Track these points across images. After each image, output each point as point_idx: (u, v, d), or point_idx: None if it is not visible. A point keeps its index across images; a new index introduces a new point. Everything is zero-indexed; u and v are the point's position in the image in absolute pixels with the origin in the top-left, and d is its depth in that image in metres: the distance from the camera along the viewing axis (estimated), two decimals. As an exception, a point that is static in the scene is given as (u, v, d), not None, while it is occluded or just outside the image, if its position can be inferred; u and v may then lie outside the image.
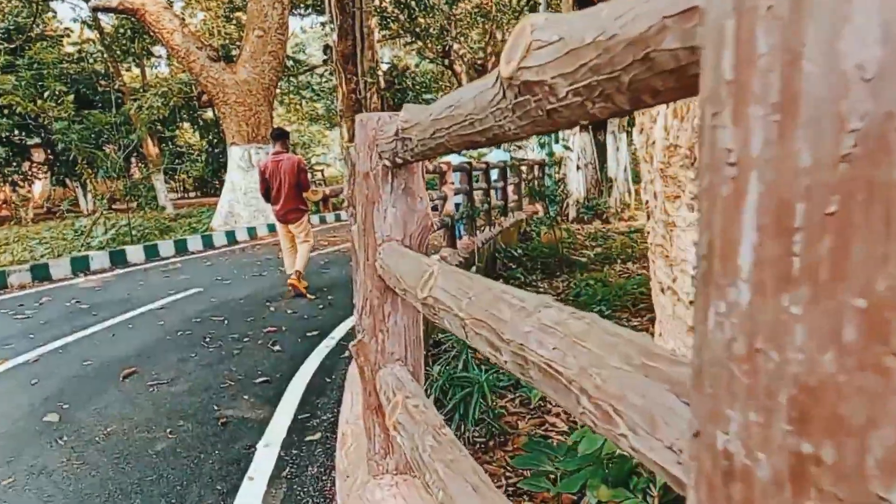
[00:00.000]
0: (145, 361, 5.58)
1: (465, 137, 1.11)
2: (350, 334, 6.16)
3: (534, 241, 10.85)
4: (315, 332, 6.26)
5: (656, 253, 2.18)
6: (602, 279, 8.16)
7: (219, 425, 4.17)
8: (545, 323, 0.89)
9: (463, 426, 3.50)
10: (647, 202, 2.24)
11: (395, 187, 1.91)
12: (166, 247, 12.73)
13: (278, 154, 7.87)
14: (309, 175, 8.39)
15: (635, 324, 6.29)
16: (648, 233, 2.39)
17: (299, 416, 4.28)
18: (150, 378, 5.14)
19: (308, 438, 3.94)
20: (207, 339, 6.19)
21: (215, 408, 4.46)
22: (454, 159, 9.18)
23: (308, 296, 7.89)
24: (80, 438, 4.05)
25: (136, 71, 29.94)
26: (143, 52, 26.59)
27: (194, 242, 13.47)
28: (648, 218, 2.28)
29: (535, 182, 12.06)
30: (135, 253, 11.98)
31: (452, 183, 8.19)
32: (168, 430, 4.11)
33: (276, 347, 5.82)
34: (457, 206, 8.31)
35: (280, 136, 8.08)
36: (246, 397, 4.65)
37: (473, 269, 8.00)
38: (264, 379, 5.00)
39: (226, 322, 6.83)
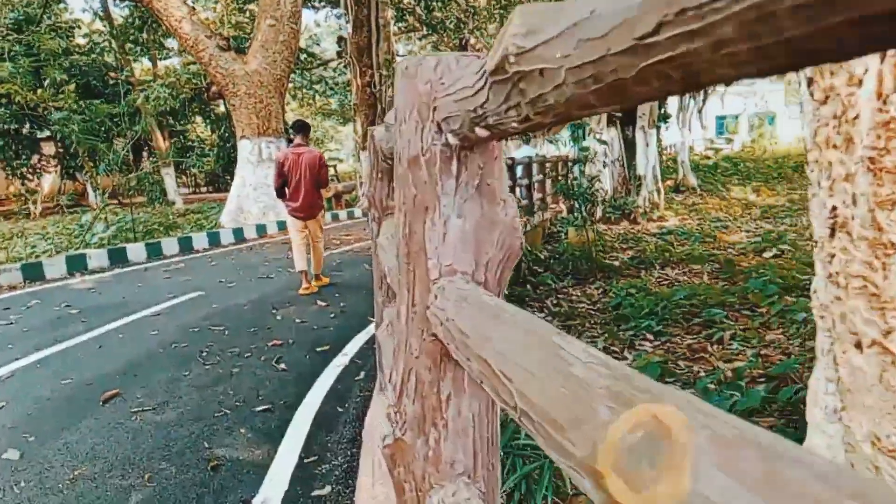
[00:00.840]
0: (131, 381, 4.87)
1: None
2: (366, 351, 5.43)
3: (562, 244, 10.08)
4: (325, 347, 5.53)
5: (849, 287, 1.45)
6: (642, 287, 7.39)
7: (208, 469, 3.44)
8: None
9: None
10: (832, 209, 1.50)
11: (466, 182, 1.12)
12: (170, 244, 12.05)
13: (299, 147, 7.61)
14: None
15: (690, 342, 5.52)
16: (828, 252, 1.63)
17: (305, 460, 3.55)
18: (134, 403, 4.43)
19: (315, 493, 3.20)
20: (204, 354, 5.47)
21: (206, 445, 3.74)
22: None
23: (318, 302, 7.18)
24: (40, 484, 3.34)
25: (148, 64, 29.38)
26: (154, 43, 26.00)
27: (200, 240, 12.79)
28: (833, 234, 1.52)
29: (566, 179, 11.30)
30: (136, 251, 11.31)
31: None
32: (147, 476, 3.39)
33: (282, 366, 5.09)
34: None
35: (302, 128, 7.84)
36: (243, 431, 3.93)
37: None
38: (266, 407, 4.27)
39: (226, 332, 6.12)
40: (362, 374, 4.84)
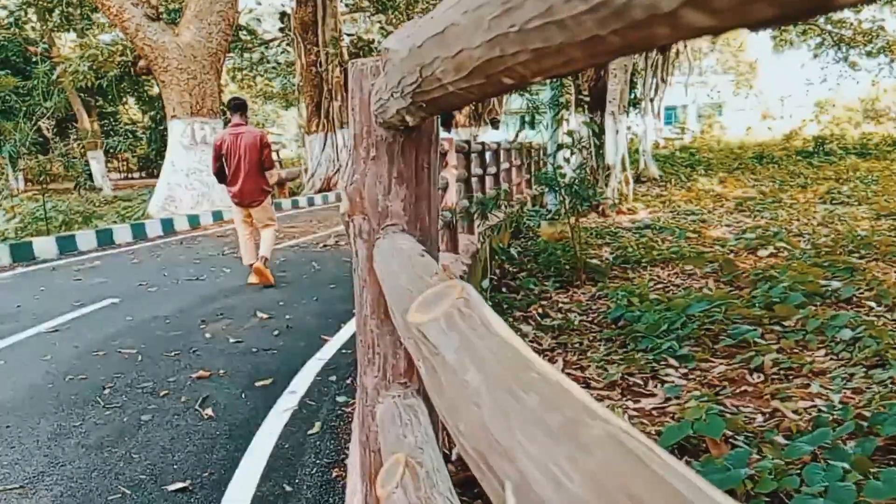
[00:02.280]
0: (-3, 437, 3.56)
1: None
2: (321, 386, 4.21)
3: (538, 241, 8.99)
4: (267, 382, 4.29)
5: None
6: (639, 293, 6.35)
7: None
8: None
9: None
10: None
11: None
12: (86, 238, 10.50)
13: (237, 127, 6.99)
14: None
15: (723, 369, 4.48)
16: None
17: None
18: (-8, 477, 3.14)
19: None
20: (107, 392, 4.18)
21: (85, 560, 2.50)
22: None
23: (258, 313, 5.91)
24: None
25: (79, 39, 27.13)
26: (81, 16, 23.88)
27: (122, 233, 11.25)
28: None
29: (539, 167, 10.24)
30: (45, 246, 9.75)
31: (455, 166, 6.27)
32: None
33: (208, 411, 3.83)
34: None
35: (239, 107, 7.20)
36: (145, 529, 2.69)
37: (486, 283, 6.10)
38: (182, 484, 3.03)
39: (139, 358, 4.81)
40: (317, 425, 3.63)
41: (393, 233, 1.30)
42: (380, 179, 1.31)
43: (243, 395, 4.06)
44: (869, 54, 23.23)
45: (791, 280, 6.30)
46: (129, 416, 3.80)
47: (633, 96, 15.46)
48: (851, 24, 22.98)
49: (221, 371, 4.47)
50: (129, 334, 5.42)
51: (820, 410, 3.63)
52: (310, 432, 3.53)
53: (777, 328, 5.24)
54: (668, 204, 14.52)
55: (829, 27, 23.55)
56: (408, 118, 0.99)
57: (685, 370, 4.50)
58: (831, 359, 4.60)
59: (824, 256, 7.74)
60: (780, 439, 3.26)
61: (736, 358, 4.58)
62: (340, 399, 3.95)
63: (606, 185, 13.20)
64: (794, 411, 3.66)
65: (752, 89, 46.05)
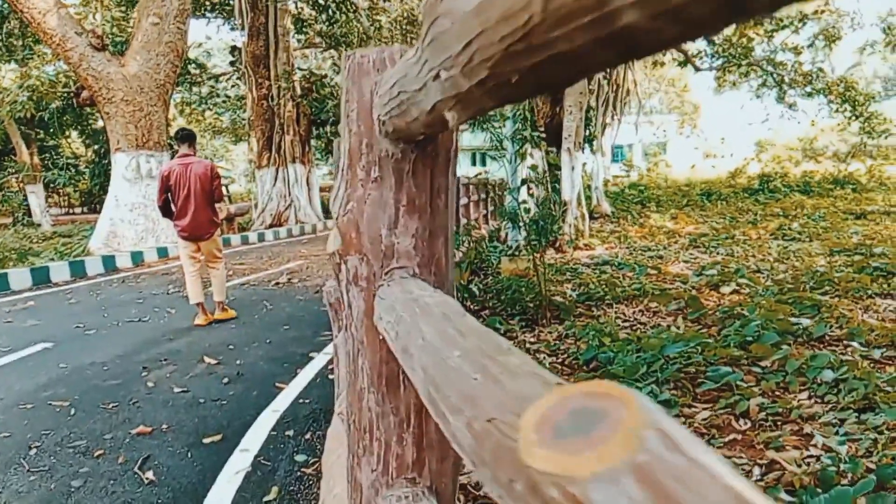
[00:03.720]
0: None
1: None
2: (277, 442, 3.81)
3: (499, 278, 8.73)
4: (216, 438, 3.87)
5: None
6: (608, 332, 6.12)
7: None
8: None
9: None
10: None
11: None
12: (20, 277, 9.83)
13: (186, 157, 6.71)
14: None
15: (707, 414, 4.24)
16: None
17: None
18: None
19: None
20: (33, 452, 3.70)
21: None
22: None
23: (206, 358, 5.47)
24: None
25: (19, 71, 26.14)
26: (22, 47, 23.04)
27: (60, 270, 10.59)
28: None
29: (499, 203, 10.03)
30: (-27, 285, 9.09)
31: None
32: None
33: (149, 474, 3.40)
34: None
35: (187, 137, 6.91)
36: None
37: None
38: (117, 567, 2.61)
39: (73, 412, 4.33)
40: (273, 490, 3.23)
41: (401, 278, 0.99)
42: (384, 208, 1.00)
43: (189, 455, 3.63)
44: (809, 95, 23.95)
45: (761, 318, 6.15)
46: (57, 481, 3.34)
47: (587, 133, 15.49)
48: (793, 66, 23.72)
49: (165, 426, 4.04)
50: (62, 383, 4.93)
51: (818, 460, 3.40)
52: (266, 499, 3.13)
53: (755, 369, 5.05)
54: (624, 240, 14.47)
55: (770, 68, 24.26)
56: (449, 116, 0.69)
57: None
58: (816, 402, 4.40)
59: (788, 293, 7.66)
60: (785, 496, 3.00)
61: (720, 402, 4.35)
62: (299, 458, 3.55)
63: (563, 220, 13.08)
64: (795, 462, 3.42)
65: (696, 129, 47.26)
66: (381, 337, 1.02)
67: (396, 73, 0.87)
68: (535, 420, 0.47)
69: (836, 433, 3.74)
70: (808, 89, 24.07)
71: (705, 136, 48.20)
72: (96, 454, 3.65)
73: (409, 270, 1.01)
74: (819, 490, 3.02)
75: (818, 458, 3.49)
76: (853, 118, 23.40)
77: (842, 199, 20.39)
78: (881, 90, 47.60)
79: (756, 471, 3.40)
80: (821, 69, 23.60)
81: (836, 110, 23.69)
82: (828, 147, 39.49)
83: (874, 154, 31.82)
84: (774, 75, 24.52)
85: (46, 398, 4.60)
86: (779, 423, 4.09)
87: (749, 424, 4.08)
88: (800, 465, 3.42)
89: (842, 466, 3.17)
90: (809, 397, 4.53)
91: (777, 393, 4.62)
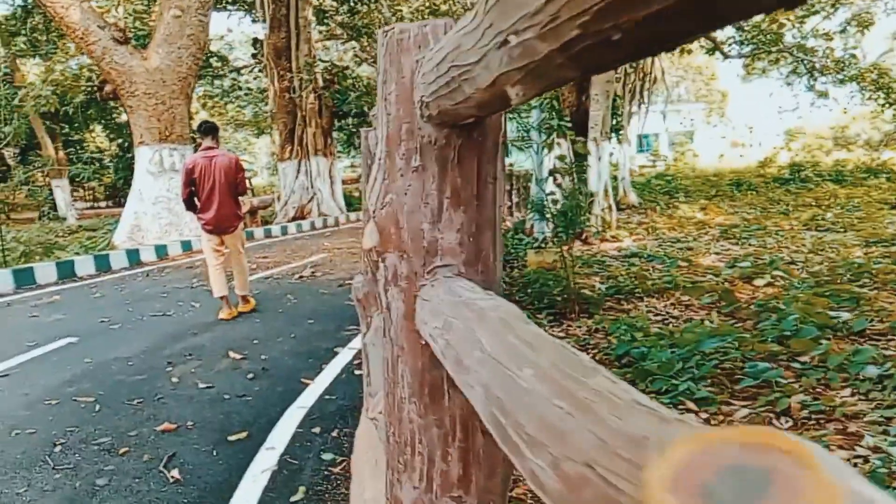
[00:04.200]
0: (-79, 512, 3.03)
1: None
2: (303, 439, 3.72)
3: (527, 271, 8.58)
4: (242, 435, 3.78)
5: None
6: (640, 326, 5.96)
7: None
8: None
9: None
10: None
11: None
12: (46, 271, 9.87)
13: (209, 150, 6.63)
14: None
15: (746, 412, 4.07)
16: None
17: None
18: None
19: None
20: (58, 449, 3.65)
21: None
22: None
23: (231, 353, 5.41)
24: None
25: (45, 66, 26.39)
26: (47, 42, 23.23)
27: (85, 264, 10.63)
28: None
29: (527, 193, 9.88)
30: (0, 279, 9.13)
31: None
32: None
33: (174, 473, 3.32)
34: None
35: (210, 130, 6.83)
36: None
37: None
38: (140, 571, 2.53)
39: (97, 408, 4.28)
40: (301, 490, 3.13)
41: (445, 277, 0.88)
42: (426, 200, 0.89)
43: (214, 453, 3.55)
44: (841, 82, 23.41)
45: (798, 312, 5.95)
46: (82, 479, 3.28)
47: (614, 122, 15.24)
48: (824, 52, 23.20)
49: (190, 423, 3.96)
50: (87, 379, 4.88)
51: (867, 461, 3.24)
52: (292, 499, 3.04)
53: (794, 365, 4.87)
54: (652, 231, 14.23)
55: (801, 55, 23.75)
56: (512, 92, 0.56)
57: (706, 414, 4.08)
58: (860, 399, 4.23)
59: (825, 286, 7.43)
60: None
61: (759, 400, 4.18)
62: (326, 457, 3.46)
63: (590, 212, 12.88)
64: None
65: (723, 117, 46.59)
66: (423, 342, 0.90)
67: (447, 47, 0.75)
68: (669, 476, 0.35)
69: (885, 432, 3.56)
70: (841, 76, 23.54)
71: (733, 125, 47.51)
72: (121, 451, 3.59)
73: (453, 269, 0.90)
74: (873, 494, 2.86)
75: (866, 458, 3.34)
76: (887, 105, 22.84)
77: (876, 189, 19.91)
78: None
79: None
80: (853, 55, 23.05)
81: (869, 97, 23.14)
82: (860, 135, 38.69)
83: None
84: (805, 62, 24.00)
85: (71, 394, 4.55)
86: (822, 421, 3.92)
87: (791, 423, 3.92)
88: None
89: (893, 468, 3.00)
90: (852, 394, 4.34)
91: (818, 390, 4.44)
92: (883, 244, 10.39)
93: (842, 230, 12.58)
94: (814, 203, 17.41)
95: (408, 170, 0.90)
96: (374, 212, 0.95)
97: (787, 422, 3.95)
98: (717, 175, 26.52)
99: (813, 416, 3.96)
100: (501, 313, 0.69)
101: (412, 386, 0.96)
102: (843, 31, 23.81)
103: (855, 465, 3.28)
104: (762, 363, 4.72)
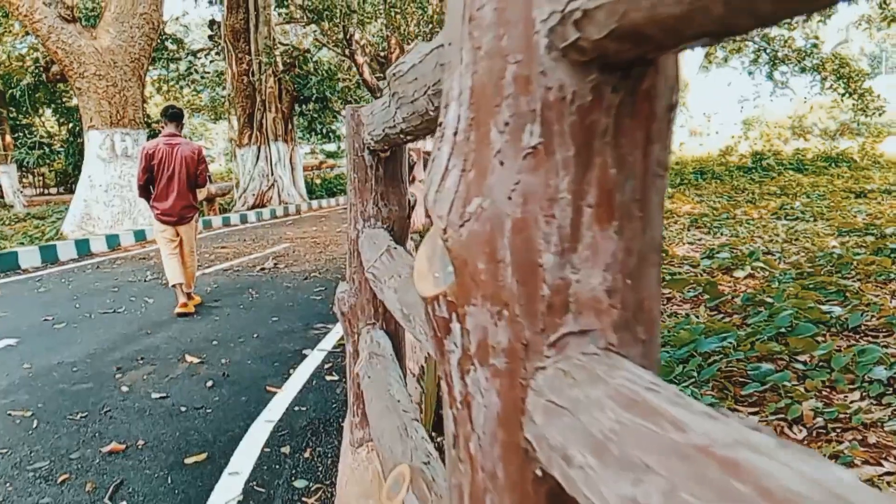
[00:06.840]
0: None
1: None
2: (271, 461, 3.28)
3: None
4: (200, 458, 3.33)
5: None
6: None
7: None
8: None
9: None
10: None
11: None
12: (-15, 263, 9.19)
13: (173, 137, 6.37)
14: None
15: (754, 421, 3.75)
16: None
17: None
18: None
19: None
20: (-16, 477, 3.16)
21: None
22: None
23: (188, 357, 4.93)
24: None
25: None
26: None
27: (29, 256, 9.94)
28: None
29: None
30: (-66, 273, 8.44)
31: (423, 181, 5.44)
32: None
33: (121, 506, 2.87)
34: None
35: (176, 116, 6.58)
36: None
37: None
38: None
39: (35, 423, 3.78)
40: (272, 527, 2.71)
41: (583, 356, 0.47)
42: (550, 210, 0.46)
43: (169, 480, 3.10)
44: (802, 71, 23.51)
45: (789, 306, 5.69)
46: (11, 517, 2.81)
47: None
48: (786, 41, 23.25)
49: (141, 441, 3.50)
50: (24, 388, 4.37)
51: (898, 480, 2.95)
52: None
53: (796, 365, 4.59)
54: (621, 220, 13.99)
55: (763, 44, 23.79)
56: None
57: (712, 424, 3.76)
58: (872, 404, 3.95)
59: (808, 278, 7.22)
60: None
61: (769, 406, 3.88)
62: (299, 484, 3.03)
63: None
64: (871, 481, 2.96)
65: (683, 105, 46.87)
66: (537, 471, 0.50)
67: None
68: None
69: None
70: (802, 65, 23.64)
71: (691, 114, 47.80)
72: (60, 479, 3.12)
73: (598, 339, 0.49)
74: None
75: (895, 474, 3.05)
76: (846, 95, 23.01)
77: (838, 178, 20.03)
78: (867, 68, 47.39)
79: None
80: (815, 45, 23.16)
81: (830, 87, 23.29)
82: (815, 125, 39.21)
83: (863, 132, 31.54)
84: (768, 51, 24.05)
85: (6, 407, 4.04)
86: (838, 430, 3.63)
87: (805, 432, 3.62)
88: (874, 484, 2.96)
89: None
90: (862, 398, 4.07)
91: (825, 393, 4.16)
92: (857, 234, 10.28)
93: (811, 219, 12.49)
94: (779, 192, 17.40)
95: (517, 152, 0.47)
96: (444, 230, 0.53)
97: (800, 431, 3.65)
98: (679, 163, 26.50)
99: (828, 424, 3.67)
100: (714, 433, 0.30)
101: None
102: (806, 20, 23.90)
103: (886, 482, 2.99)
104: (765, 365, 4.42)
